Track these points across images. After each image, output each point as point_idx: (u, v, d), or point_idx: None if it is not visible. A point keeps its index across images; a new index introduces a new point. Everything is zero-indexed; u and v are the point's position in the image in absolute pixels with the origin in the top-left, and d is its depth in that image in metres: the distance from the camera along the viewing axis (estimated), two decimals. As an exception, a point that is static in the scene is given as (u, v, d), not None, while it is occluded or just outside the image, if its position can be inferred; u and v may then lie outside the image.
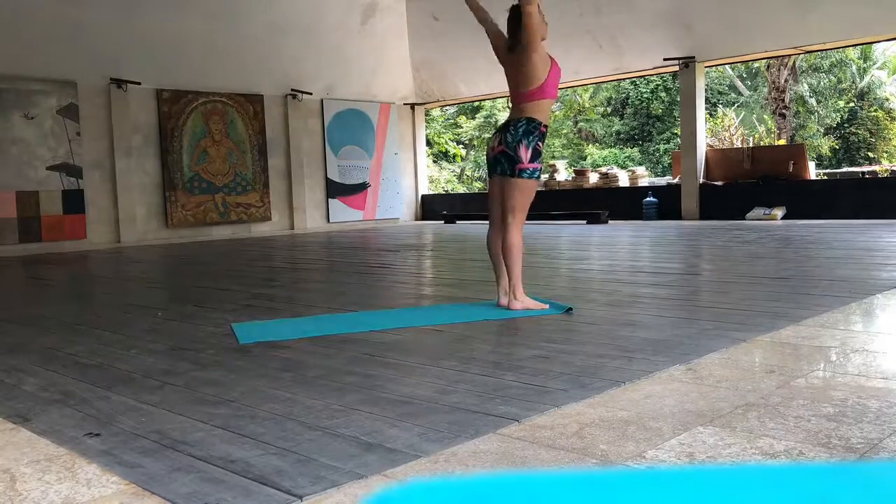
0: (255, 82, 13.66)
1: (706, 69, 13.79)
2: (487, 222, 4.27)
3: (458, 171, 25.52)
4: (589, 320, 3.74)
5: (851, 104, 23.98)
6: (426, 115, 18.69)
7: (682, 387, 2.42)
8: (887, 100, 23.90)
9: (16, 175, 11.04)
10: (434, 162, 23.98)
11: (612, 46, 13.38)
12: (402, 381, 2.63)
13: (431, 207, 16.65)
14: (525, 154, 3.92)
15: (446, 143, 24.56)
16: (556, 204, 14.05)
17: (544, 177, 15.96)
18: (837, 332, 3.24)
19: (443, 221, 15.35)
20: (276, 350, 3.25)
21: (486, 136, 24.68)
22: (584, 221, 12.90)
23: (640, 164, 20.65)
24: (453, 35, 14.67)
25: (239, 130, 13.50)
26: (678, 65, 12.73)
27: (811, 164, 13.44)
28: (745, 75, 25.46)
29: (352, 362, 2.96)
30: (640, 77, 21.25)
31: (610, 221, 12.90)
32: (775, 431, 1.96)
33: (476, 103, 23.44)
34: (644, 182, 14.69)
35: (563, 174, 15.66)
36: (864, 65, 24.04)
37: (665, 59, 12.76)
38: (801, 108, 23.86)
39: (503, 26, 4.13)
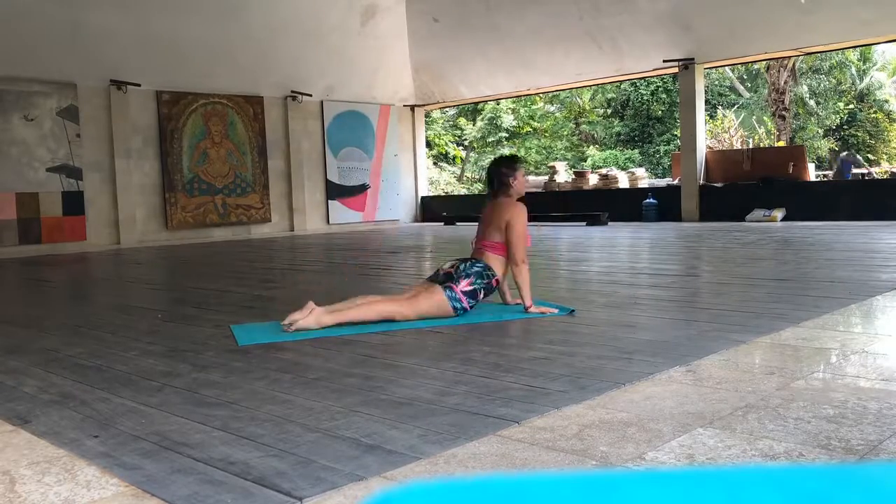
0: (255, 84, 13.66)
1: (706, 71, 13.81)
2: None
3: (458, 172, 25.53)
4: (589, 322, 3.74)
5: (851, 106, 23.98)
6: (426, 116, 18.69)
7: (681, 388, 2.42)
8: (887, 101, 23.89)
9: (16, 176, 11.04)
10: (434, 164, 23.97)
11: (612, 48, 13.39)
12: (402, 382, 2.62)
13: (431, 209, 16.64)
14: (465, 285, 3.87)
15: (446, 144, 24.56)
16: (555, 205, 14.05)
17: (544, 178, 15.97)
18: (837, 333, 3.24)
19: (443, 223, 15.35)
20: (276, 352, 3.25)
21: (490, 138, 24.67)
22: (584, 223, 12.90)
23: (640, 166, 20.62)
24: (453, 37, 14.68)
25: (239, 132, 13.50)
26: (678, 66, 12.74)
27: (811, 166, 13.45)
28: (744, 77, 25.45)
29: (351, 364, 2.96)
30: (641, 79, 21.22)
31: (610, 223, 12.90)
32: (775, 433, 1.95)
33: (476, 105, 23.44)
34: (644, 183, 14.69)
35: (563, 176, 15.66)
36: (864, 66, 24.03)
37: (665, 61, 12.78)
38: (800, 110, 23.85)
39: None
